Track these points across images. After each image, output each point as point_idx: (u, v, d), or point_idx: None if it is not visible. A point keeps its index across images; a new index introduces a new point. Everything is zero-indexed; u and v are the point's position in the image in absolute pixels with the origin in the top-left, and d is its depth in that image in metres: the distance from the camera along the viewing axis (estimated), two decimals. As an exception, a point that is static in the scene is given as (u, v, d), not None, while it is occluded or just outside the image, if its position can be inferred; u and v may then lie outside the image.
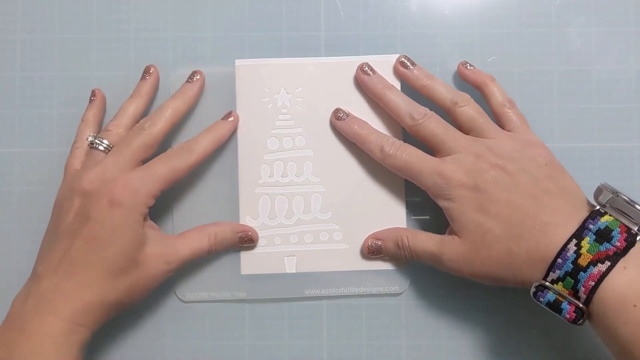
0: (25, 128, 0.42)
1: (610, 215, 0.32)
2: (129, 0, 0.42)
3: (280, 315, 0.41)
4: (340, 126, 0.39)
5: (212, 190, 0.41)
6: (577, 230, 0.32)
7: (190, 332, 0.41)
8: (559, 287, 0.32)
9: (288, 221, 0.40)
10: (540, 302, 0.33)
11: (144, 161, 0.37)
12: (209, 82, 0.41)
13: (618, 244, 0.31)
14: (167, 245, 0.37)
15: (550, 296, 0.32)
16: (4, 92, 0.42)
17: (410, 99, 0.38)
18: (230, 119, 0.40)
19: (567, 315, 0.32)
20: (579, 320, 0.32)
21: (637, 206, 0.32)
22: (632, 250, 0.31)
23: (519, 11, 0.42)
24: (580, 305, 0.31)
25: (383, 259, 0.40)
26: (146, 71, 0.40)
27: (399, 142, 0.38)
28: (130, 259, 0.35)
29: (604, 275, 0.31)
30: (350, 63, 0.40)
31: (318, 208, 0.40)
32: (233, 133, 0.40)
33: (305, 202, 0.40)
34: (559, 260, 0.32)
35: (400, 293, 0.40)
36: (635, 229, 0.32)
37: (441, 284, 0.40)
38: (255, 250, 0.40)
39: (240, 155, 0.40)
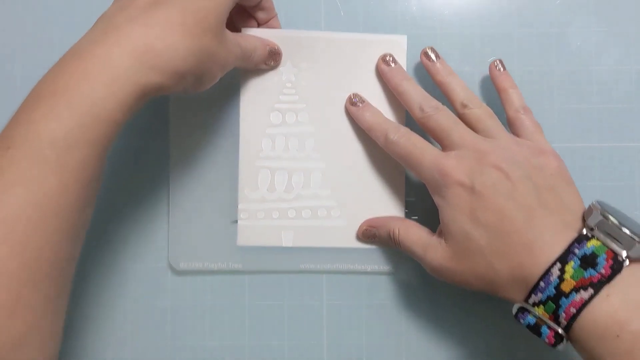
0: (25, 128, 0.42)
1: (597, 239, 0.31)
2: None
3: (280, 315, 0.41)
4: (353, 112, 0.39)
5: (212, 160, 0.41)
6: (563, 254, 0.31)
7: (190, 333, 0.41)
8: (539, 310, 0.31)
9: (287, 195, 0.40)
10: (521, 323, 0.32)
11: None
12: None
13: (603, 271, 0.30)
14: (235, 32, 0.35)
15: (531, 319, 0.32)
16: (4, 92, 0.42)
17: (425, 92, 0.38)
18: None
19: (547, 340, 0.31)
20: (559, 345, 0.31)
21: (625, 230, 0.30)
22: (618, 277, 0.30)
23: (519, 11, 0.42)
24: (560, 331, 0.31)
25: (378, 243, 0.40)
26: None
27: (405, 130, 0.37)
28: (221, 23, 0.32)
29: (586, 303, 0.29)
30: (358, 42, 0.40)
31: (317, 184, 0.40)
32: (236, 104, 0.40)
33: (305, 178, 0.40)
34: (542, 283, 0.31)
35: (394, 272, 0.40)
36: (623, 254, 0.30)
37: (441, 284, 0.40)
38: (253, 223, 0.40)
39: (242, 128, 0.40)
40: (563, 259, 0.31)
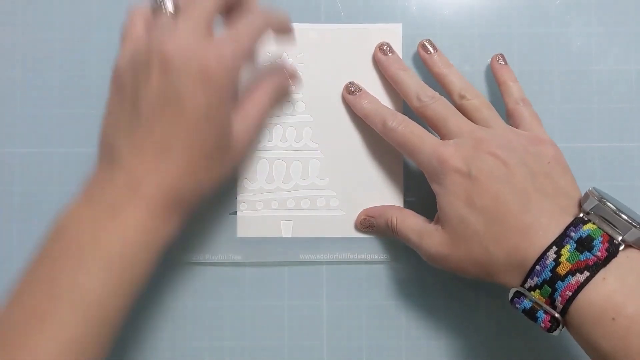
0: (25, 128, 0.42)
1: (593, 223, 0.31)
2: (129, 0, 0.42)
3: (280, 315, 0.41)
4: (350, 100, 0.40)
5: None
6: (559, 237, 0.31)
7: (190, 333, 0.41)
8: (535, 295, 0.31)
9: (285, 186, 0.40)
10: (517, 308, 0.32)
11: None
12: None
13: (599, 253, 0.30)
14: (242, 116, 0.35)
15: (527, 303, 0.32)
16: (4, 92, 0.42)
17: (422, 82, 0.38)
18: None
19: (542, 325, 0.31)
20: (555, 330, 0.31)
21: (622, 215, 0.30)
22: (614, 261, 0.30)
23: (519, 11, 0.42)
24: (556, 315, 0.30)
25: (376, 233, 0.40)
26: None
27: (403, 117, 0.37)
28: (225, 141, 0.33)
29: (581, 285, 0.29)
30: (354, 31, 0.40)
31: (316, 174, 0.40)
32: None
33: (303, 168, 0.40)
34: (538, 267, 0.30)
35: (392, 261, 0.40)
36: (619, 238, 0.30)
37: (442, 283, 0.40)
38: (252, 214, 0.40)
39: None
40: (559, 242, 0.31)
